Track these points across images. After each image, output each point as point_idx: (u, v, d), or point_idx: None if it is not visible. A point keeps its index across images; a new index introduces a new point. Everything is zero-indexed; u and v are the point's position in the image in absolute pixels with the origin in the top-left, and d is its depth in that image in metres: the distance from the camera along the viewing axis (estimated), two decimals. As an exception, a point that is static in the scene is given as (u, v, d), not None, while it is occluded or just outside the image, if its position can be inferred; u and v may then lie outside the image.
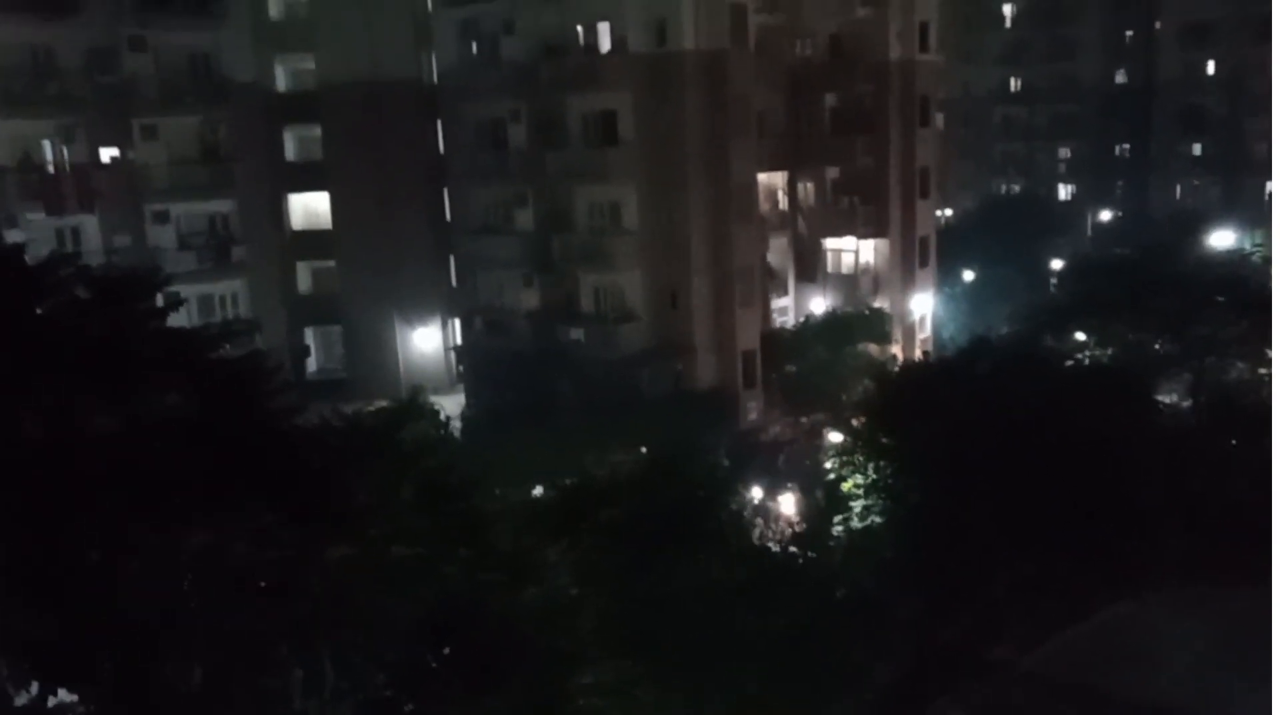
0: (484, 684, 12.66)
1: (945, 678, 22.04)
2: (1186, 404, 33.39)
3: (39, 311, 12.56)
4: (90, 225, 36.80)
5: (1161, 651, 22.64)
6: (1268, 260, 41.70)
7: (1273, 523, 17.89)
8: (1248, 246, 50.41)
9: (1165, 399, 32.36)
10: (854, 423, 30.04)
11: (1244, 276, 38.28)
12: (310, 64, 45.29)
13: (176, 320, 16.53)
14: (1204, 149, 73.52)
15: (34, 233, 31.95)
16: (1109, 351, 34.90)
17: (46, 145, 36.56)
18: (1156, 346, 34.55)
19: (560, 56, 38.85)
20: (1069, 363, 32.72)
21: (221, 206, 41.42)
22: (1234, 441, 28.06)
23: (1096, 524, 23.38)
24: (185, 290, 20.94)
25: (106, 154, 38.05)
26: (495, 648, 12.89)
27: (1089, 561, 23.69)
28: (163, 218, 38.60)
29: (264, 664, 11.73)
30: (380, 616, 12.18)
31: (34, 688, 11.35)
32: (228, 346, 15.43)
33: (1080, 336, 36.71)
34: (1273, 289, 27.28)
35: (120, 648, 11.51)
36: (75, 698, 11.83)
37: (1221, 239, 59.26)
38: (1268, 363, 33.14)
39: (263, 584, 11.87)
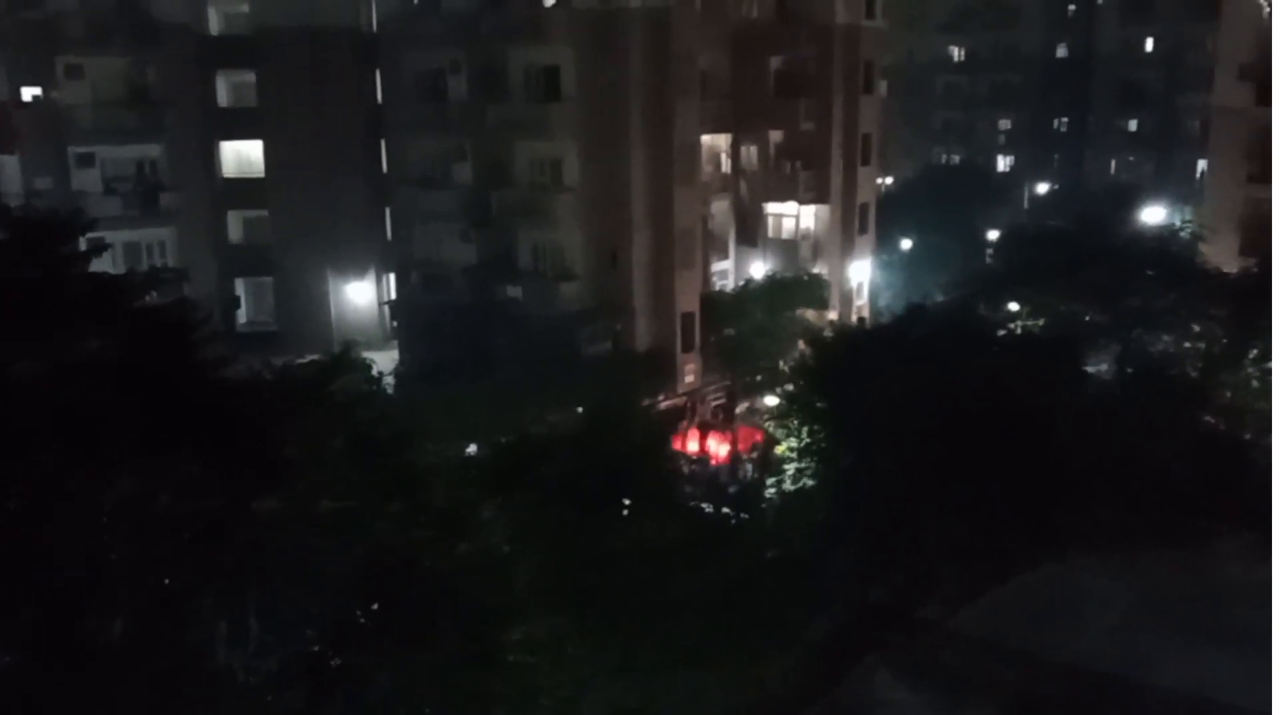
0: (413, 639, 12.54)
1: (874, 636, 22.38)
2: (1114, 374, 34.08)
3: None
4: (11, 165, 35.73)
5: (1085, 613, 23.20)
6: (1196, 236, 42.57)
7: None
8: (1178, 222, 51.37)
9: (1094, 369, 33.00)
10: (789, 387, 30.24)
11: (1173, 251, 39.15)
12: (245, 7, 43.86)
13: (101, 267, 16.07)
14: (1140, 125, 74.87)
15: (-49, 172, 30.96)
16: (1041, 321, 35.46)
17: (-35, 82, 35.36)
18: (1087, 317, 35.17)
19: (503, 7, 38.12)
20: (1001, 332, 33.19)
21: (150, 151, 40.41)
22: (1158, 411, 28.66)
23: (1025, 489, 23.79)
24: (110, 236, 20.27)
25: (28, 93, 36.85)
26: (425, 603, 12.78)
27: (1018, 525, 24.14)
28: (87, 160, 37.52)
29: (187, 616, 11.50)
30: (308, 570, 11.98)
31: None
32: (154, 294, 15.02)
33: (1014, 306, 37.23)
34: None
35: (41, 597, 11.20)
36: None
37: (1153, 214, 60.40)
38: (1193, 336, 33.95)
39: (188, 535, 11.59)
